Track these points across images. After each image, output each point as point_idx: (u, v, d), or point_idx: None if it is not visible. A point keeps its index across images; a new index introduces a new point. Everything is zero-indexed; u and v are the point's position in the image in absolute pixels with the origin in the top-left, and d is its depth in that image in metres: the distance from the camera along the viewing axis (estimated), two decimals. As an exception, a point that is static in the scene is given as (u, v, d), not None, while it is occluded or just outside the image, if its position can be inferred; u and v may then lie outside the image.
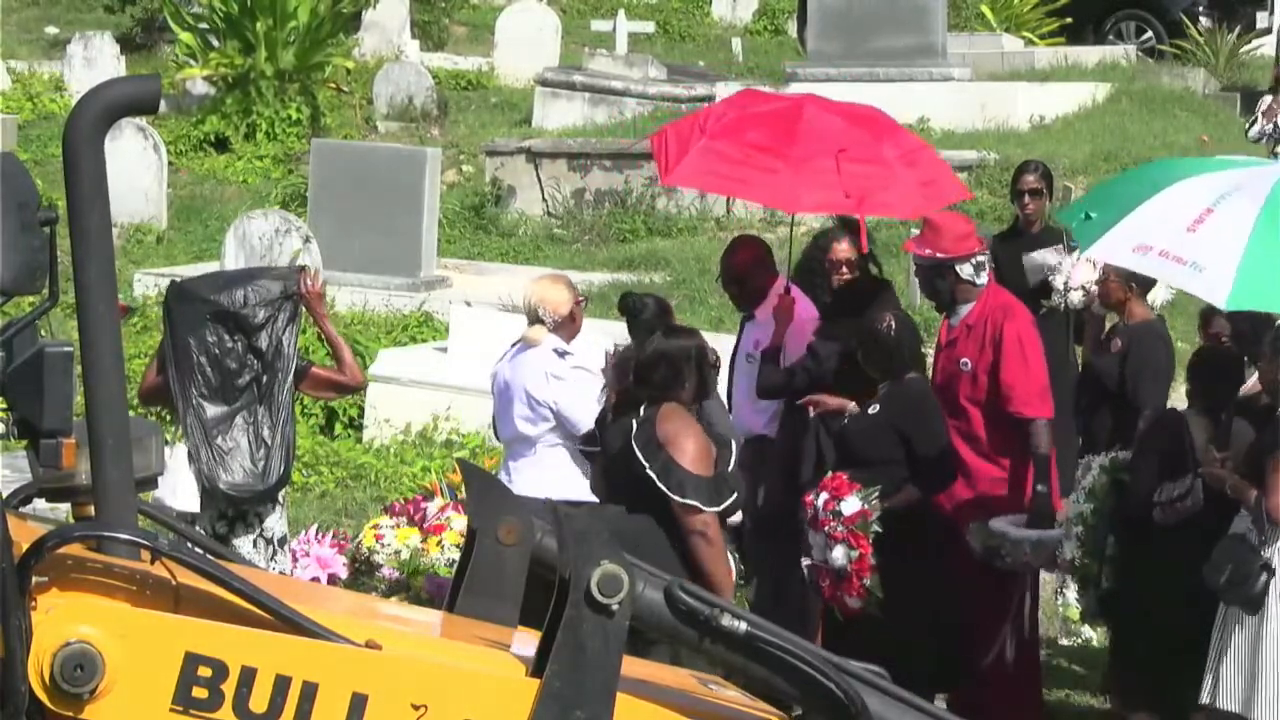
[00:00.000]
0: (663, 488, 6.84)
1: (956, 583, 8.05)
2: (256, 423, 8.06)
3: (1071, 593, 7.93)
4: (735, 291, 9.32)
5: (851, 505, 7.77)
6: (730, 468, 6.98)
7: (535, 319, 8.25)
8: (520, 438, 8.17)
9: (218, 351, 8.00)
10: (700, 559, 6.77)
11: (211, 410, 8.02)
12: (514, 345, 8.51)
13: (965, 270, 8.50)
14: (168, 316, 8.14)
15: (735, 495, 6.90)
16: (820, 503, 7.83)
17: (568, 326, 8.22)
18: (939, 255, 8.53)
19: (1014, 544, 8.13)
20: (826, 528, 7.79)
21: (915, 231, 13.62)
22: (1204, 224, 6.45)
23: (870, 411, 8.13)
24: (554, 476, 8.09)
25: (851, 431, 8.15)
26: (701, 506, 6.76)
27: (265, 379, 8.05)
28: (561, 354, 8.12)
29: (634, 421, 6.92)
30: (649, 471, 6.87)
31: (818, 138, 8.88)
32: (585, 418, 8.01)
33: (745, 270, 9.11)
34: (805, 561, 7.93)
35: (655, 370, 6.98)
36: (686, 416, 6.98)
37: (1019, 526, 8.19)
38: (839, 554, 7.75)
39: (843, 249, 9.25)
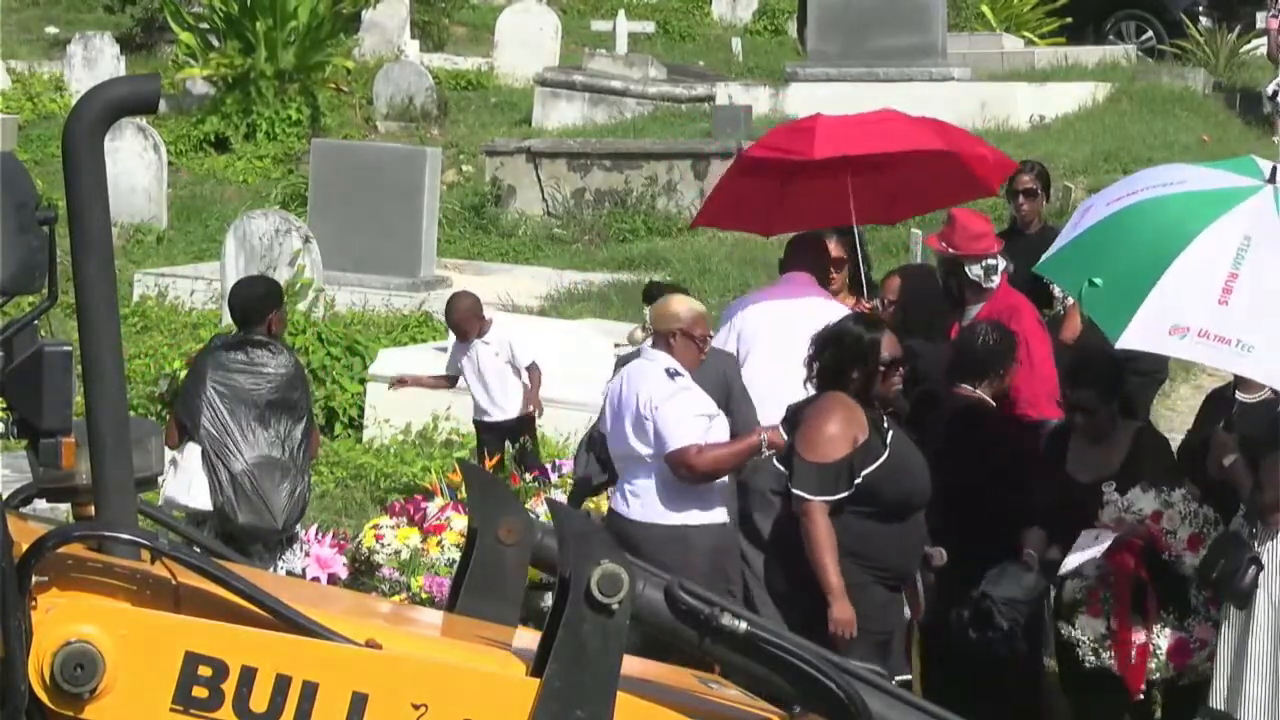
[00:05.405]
0: (780, 469, 6.82)
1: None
2: (282, 460, 8.25)
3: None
4: None
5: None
6: (877, 465, 6.64)
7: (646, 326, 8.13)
8: (632, 455, 7.77)
9: (237, 385, 8.18)
10: (804, 543, 6.61)
11: (241, 447, 8.21)
12: (628, 357, 8.34)
13: (974, 271, 8.42)
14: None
15: (851, 489, 6.57)
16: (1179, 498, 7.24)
17: (681, 350, 7.87)
18: (950, 251, 8.49)
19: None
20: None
21: (916, 232, 13.66)
22: (1233, 293, 6.14)
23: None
24: (679, 498, 7.67)
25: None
26: (804, 494, 6.60)
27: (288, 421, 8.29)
28: (673, 374, 7.91)
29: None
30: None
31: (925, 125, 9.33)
32: (679, 439, 7.59)
33: None
34: (1093, 551, 7.22)
35: (824, 351, 6.86)
36: (838, 404, 6.74)
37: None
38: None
39: (830, 247, 9.25)
